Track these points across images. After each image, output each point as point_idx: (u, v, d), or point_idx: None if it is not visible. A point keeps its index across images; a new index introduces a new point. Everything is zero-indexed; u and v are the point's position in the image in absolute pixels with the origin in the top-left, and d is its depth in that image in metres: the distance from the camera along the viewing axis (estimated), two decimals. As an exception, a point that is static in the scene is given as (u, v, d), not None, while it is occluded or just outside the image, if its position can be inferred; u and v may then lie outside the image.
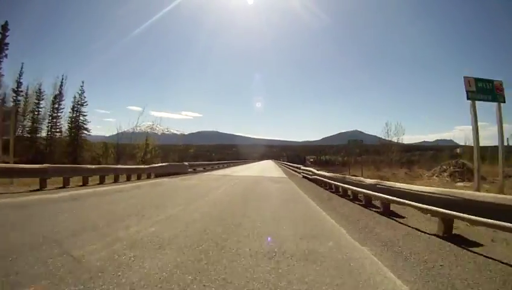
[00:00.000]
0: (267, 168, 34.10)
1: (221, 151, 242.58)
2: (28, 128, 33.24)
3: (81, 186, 11.22)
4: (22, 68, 33.30)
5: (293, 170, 28.55)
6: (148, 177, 17.10)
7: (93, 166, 14.12)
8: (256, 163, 61.83)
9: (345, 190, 9.56)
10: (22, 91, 32.99)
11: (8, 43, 30.76)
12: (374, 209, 7.52)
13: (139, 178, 16.21)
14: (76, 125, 36.32)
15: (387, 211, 6.92)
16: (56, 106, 35.77)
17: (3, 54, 29.54)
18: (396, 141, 36.82)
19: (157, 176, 17.54)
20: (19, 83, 33.00)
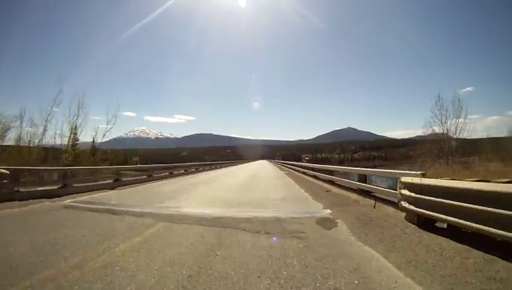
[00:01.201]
0: (261, 169, 31.39)
1: (215, 153, 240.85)
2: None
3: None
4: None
5: (288, 168, 27.50)
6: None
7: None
8: (250, 163, 59.38)
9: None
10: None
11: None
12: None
13: None
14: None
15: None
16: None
17: None
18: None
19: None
20: None
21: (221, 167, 34.99)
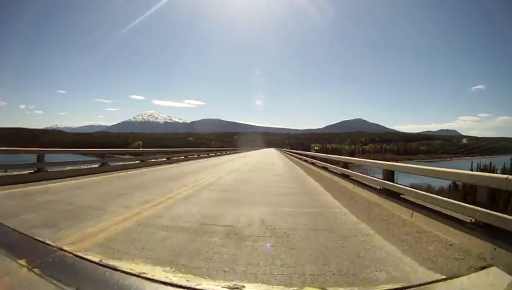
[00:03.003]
0: (266, 163, 27.73)
1: (222, 139, 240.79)
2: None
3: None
4: None
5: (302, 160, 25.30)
6: None
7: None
8: (256, 152, 55.46)
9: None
10: None
11: None
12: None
13: None
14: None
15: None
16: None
17: None
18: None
19: None
20: None
21: (221, 155, 32.19)
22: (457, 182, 16.87)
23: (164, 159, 17.25)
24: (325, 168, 12.94)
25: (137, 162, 14.29)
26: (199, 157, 23.43)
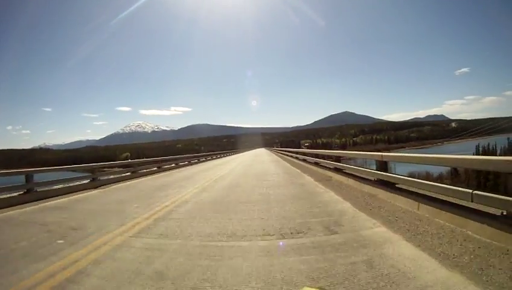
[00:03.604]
0: (258, 159, 27.24)
1: (212, 143, 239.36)
2: None
3: None
4: None
5: (287, 156, 25.47)
6: None
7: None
8: (246, 153, 54.72)
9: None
10: None
11: None
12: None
13: None
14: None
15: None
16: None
17: None
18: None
19: None
20: None
21: (205, 160, 29.68)
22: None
23: (154, 168, 17.13)
24: (316, 163, 13.07)
25: (128, 174, 14.07)
26: (189, 164, 23.10)
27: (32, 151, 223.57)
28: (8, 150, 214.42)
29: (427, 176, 25.98)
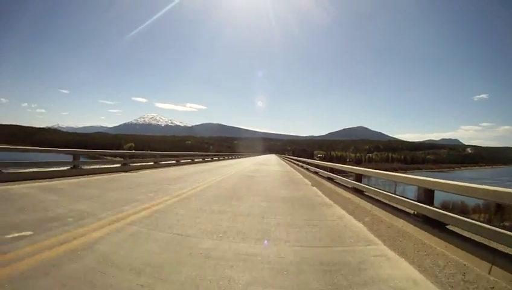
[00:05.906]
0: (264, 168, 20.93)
1: (222, 144, 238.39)
2: None
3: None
4: None
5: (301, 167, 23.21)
6: None
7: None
8: (253, 158, 47.51)
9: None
10: None
11: None
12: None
13: None
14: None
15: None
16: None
17: None
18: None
19: None
20: None
21: (211, 161, 27.84)
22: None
23: (151, 163, 15.59)
24: (330, 178, 11.14)
25: (117, 165, 12.48)
26: (192, 163, 21.46)
27: (39, 130, 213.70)
28: (14, 125, 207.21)
29: (463, 207, 22.90)
